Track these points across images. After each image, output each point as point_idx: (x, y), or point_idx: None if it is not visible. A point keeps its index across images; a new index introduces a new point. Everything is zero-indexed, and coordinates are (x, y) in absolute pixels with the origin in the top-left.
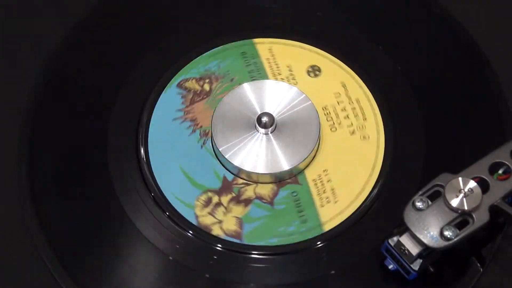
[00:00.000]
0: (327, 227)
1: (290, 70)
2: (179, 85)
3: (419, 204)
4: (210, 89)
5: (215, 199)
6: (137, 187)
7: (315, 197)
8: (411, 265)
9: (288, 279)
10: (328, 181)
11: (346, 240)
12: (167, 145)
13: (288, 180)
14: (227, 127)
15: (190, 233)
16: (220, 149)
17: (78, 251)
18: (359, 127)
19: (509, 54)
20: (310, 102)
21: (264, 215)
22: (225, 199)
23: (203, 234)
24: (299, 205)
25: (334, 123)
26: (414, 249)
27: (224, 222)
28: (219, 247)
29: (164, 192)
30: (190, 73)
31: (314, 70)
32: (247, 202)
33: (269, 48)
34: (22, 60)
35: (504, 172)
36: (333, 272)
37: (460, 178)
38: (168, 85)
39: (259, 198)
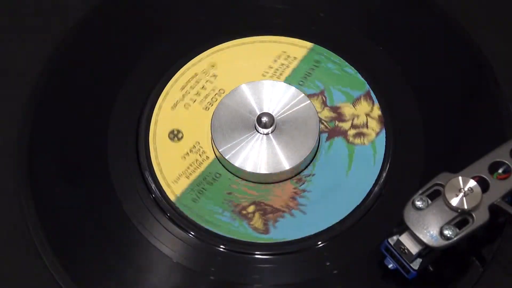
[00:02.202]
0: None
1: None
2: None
3: (419, 203)
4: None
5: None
6: (138, 187)
7: None
8: (411, 265)
9: (288, 279)
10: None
11: (346, 240)
12: None
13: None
14: (226, 128)
15: (191, 234)
16: (220, 150)
17: (78, 251)
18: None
19: (509, 54)
20: (309, 101)
21: None
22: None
23: (203, 234)
24: None
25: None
26: (413, 249)
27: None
28: (220, 247)
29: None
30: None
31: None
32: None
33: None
34: (22, 60)
35: (504, 172)
36: (333, 272)
37: (460, 177)
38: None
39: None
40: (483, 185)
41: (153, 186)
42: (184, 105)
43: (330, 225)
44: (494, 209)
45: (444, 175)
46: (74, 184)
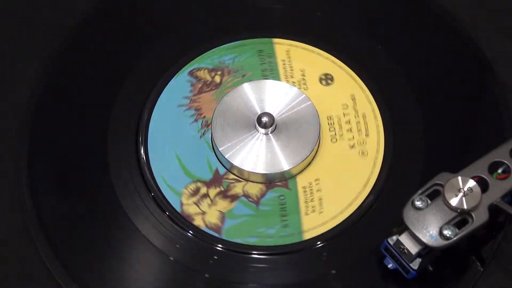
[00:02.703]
0: (307, 236)
1: (303, 75)
2: (191, 73)
3: (418, 203)
4: (221, 81)
5: (203, 190)
6: (138, 188)
7: (302, 204)
8: (411, 264)
9: (288, 279)
10: (317, 190)
11: (346, 240)
12: (167, 130)
13: (278, 183)
14: (227, 126)
15: (190, 233)
16: (220, 149)
17: (78, 251)
18: (360, 142)
19: (509, 54)
20: (310, 102)
21: (247, 214)
22: (212, 191)
23: (203, 233)
24: (284, 209)
25: (336, 134)
26: (413, 248)
27: (207, 214)
28: (219, 246)
29: (155, 175)
30: (204, 62)
31: (327, 79)
32: (234, 198)
33: (286, 50)
34: (22, 60)
35: (503, 171)
36: (333, 272)
37: (459, 177)
38: (181, 71)
39: (246, 196)
40: (483, 185)
41: (152, 184)
42: None
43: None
44: (493, 209)
45: (444, 175)
46: (74, 184)
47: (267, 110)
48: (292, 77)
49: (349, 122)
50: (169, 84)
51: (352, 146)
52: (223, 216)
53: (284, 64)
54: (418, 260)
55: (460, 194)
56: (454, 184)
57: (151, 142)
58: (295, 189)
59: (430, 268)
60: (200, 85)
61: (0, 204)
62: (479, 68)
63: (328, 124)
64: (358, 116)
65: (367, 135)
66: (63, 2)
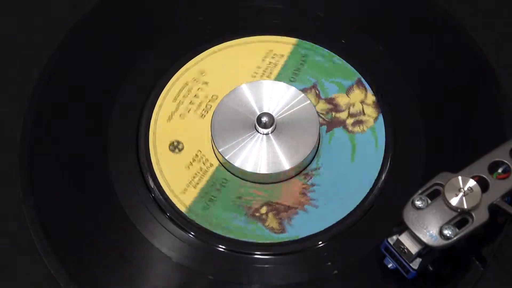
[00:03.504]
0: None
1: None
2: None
3: (418, 203)
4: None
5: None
6: (137, 185)
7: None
8: (411, 264)
9: (288, 279)
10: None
11: (346, 239)
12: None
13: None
14: (226, 128)
15: (191, 234)
16: (220, 150)
17: (78, 251)
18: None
19: (509, 54)
20: (309, 101)
21: None
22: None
23: (203, 234)
24: None
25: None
26: (413, 248)
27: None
28: (220, 247)
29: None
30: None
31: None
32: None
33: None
34: (22, 60)
35: (503, 171)
36: (333, 272)
37: (459, 177)
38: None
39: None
40: (483, 184)
41: (162, 199)
42: (180, 116)
43: (345, 215)
44: (493, 209)
45: (444, 175)
46: (74, 184)
47: (266, 110)
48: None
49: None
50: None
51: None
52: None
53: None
54: (418, 260)
55: (460, 194)
56: (454, 184)
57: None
58: None
59: (430, 268)
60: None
61: (0, 204)
62: (479, 68)
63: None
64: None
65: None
66: (62, 3)
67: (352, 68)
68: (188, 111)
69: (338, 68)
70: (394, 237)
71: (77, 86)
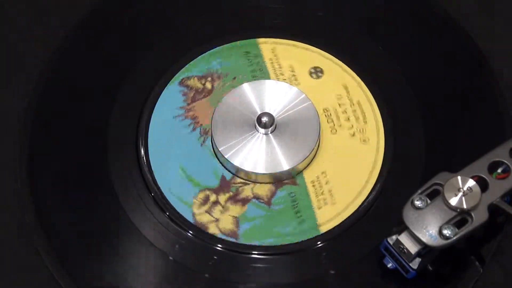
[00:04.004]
0: (324, 229)
1: (292, 71)
2: (181, 83)
3: (418, 203)
4: (212, 87)
5: (213, 197)
6: (137, 186)
7: (313, 199)
8: (410, 264)
9: (288, 279)
10: (326, 183)
11: (345, 240)
12: (167, 143)
13: (286, 181)
14: (227, 127)
15: (190, 233)
16: (220, 149)
17: (78, 251)
18: (360, 130)
19: (509, 54)
20: (310, 102)
21: (261, 215)
22: (222, 198)
23: (202, 234)
24: (296, 206)
25: (334, 125)
26: (413, 248)
27: (220, 221)
28: (218, 246)
29: (162, 190)
30: (193, 71)
31: (317, 72)
32: (245, 201)
33: (272, 48)
34: (23, 60)
35: (503, 171)
36: (332, 272)
37: (459, 177)
38: (170, 82)
39: (256, 198)
40: (482, 184)
41: (153, 185)
42: None
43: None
44: (493, 209)
45: (443, 175)
46: (74, 184)
47: (266, 110)
48: (282, 74)
49: (346, 111)
50: (161, 96)
51: (353, 135)
52: (237, 221)
53: (272, 62)
54: (418, 259)
55: (460, 194)
56: (453, 184)
57: (153, 158)
58: (303, 184)
59: (430, 268)
60: (192, 94)
61: (0, 204)
62: (479, 67)
63: (326, 116)
64: (353, 104)
65: (365, 122)
66: (62, 3)
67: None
68: None
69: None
70: (394, 237)
71: (77, 86)
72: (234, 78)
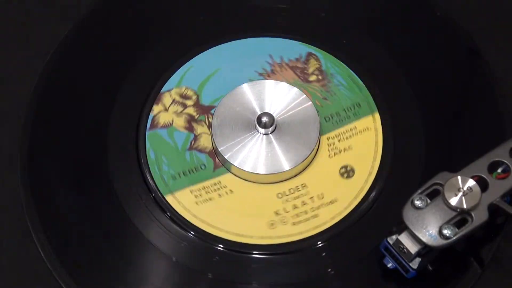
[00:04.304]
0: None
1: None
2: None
3: (418, 203)
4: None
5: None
6: (137, 186)
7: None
8: (410, 264)
9: (287, 279)
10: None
11: (345, 240)
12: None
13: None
14: (227, 127)
15: (191, 233)
16: (220, 149)
17: (78, 251)
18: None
19: (509, 54)
20: (310, 102)
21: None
22: None
23: (203, 234)
24: None
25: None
26: (413, 248)
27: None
28: (219, 247)
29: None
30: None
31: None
32: None
33: None
34: (23, 60)
35: (503, 171)
36: (332, 272)
37: (459, 177)
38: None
39: None
40: (482, 184)
41: (147, 173)
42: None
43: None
44: (493, 209)
45: (443, 175)
46: (74, 184)
47: (266, 110)
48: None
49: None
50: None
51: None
52: None
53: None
54: (418, 259)
55: (460, 194)
56: (453, 184)
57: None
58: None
59: (430, 268)
60: None
61: (0, 204)
62: (479, 68)
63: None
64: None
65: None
66: (63, 3)
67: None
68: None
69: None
70: (394, 237)
71: (77, 86)
72: None
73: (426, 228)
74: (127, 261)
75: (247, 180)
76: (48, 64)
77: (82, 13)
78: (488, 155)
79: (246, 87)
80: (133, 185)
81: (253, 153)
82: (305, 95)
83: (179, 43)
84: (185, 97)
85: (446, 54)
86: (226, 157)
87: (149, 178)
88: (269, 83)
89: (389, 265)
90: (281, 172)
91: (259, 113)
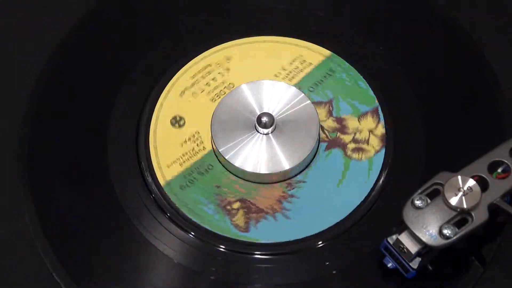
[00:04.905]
0: None
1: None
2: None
3: (418, 203)
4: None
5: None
6: (137, 186)
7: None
8: (410, 264)
9: (287, 279)
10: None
11: (345, 240)
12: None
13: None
14: (226, 128)
15: (192, 234)
16: (220, 150)
17: (78, 251)
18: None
19: (509, 54)
20: (309, 101)
21: None
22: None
23: (205, 235)
24: None
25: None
26: (413, 248)
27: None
28: (221, 247)
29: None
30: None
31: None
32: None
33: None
34: (23, 60)
35: (503, 171)
36: (333, 272)
37: (459, 177)
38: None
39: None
40: (483, 184)
41: (144, 165)
42: (192, 94)
43: (310, 234)
44: (493, 209)
45: (444, 174)
46: (74, 184)
47: (266, 110)
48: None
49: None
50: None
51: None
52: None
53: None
54: (418, 259)
55: (460, 194)
56: (454, 184)
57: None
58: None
59: (430, 268)
60: None
61: (0, 204)
62: (479, 68)
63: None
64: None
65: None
66: (63, 3)
67: (373, 95)
68: (201, 92)
69: (360, 91)
70: (394, 237)
71: (77, 86)
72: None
73: (426, 228)
74: (127, 261)
75: (248, 180)
76: (48, 64)
77: (82, 13)
78: (488, 155)
79: (245, 87)
80: (133, 185)
81: (254, 153)
82: (303, 94)
83: (179, 43)
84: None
85: (446, 54)
86: (227, 157)
87: (149, 177)
88: (267, 83)
89: (389, 265)
90: (282, 171)
91: (258, 113)
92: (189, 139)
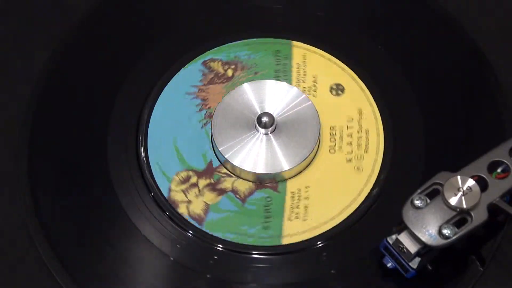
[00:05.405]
0: (285, 241)
1: (314, 82)
2: (205, 63)
3: (417, 202)
4: (233, 75)
5: (193, 179)
6: (137, 187)
7: (287, 209)
8: (410, 264)
9: (287, 279)
10: (305, 198)
11: (345, 240)
12: (170, 116)
13: (268, 185)
14: (227, 126)
15: (190, 233)
16: (220, 149)
17: (78, 251)
18: (357, 157)
19: (509, 54)
20: (310, 102)
21: (231, 210)
22: (202, 182)
23: (203, 234)
24: (268, 211)
25: (335, 145)
26: (412, 247)
27: (192, 204)
28: (219, 247)
29: (149, 160)
30: (220, 55)
31: (338, 89)
32: (221, 192)
33: (303, 54)
34: (23, 60)
35: (502, 171)
36: (332, 271)
37: (458, 177)
38: (194, 60)
39: (234, 192)
40: (482, 184)
41: (144, 165)
42: None
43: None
44: (493, 209)
45: (443, 174)
46: (74, 184)
47: (267, 110)
48: (303, 82)
49: (351, 135)
50: (181, 71)
51: (349, 160)
52: (207, 208)
53: (298, 68)
54: (417, 259)
55: (460, 193)
56: (453, 183)
57: (152, 127)
58: (283, 192)
59: (429, 268)
60: (211, 76)
61: (0, 204)
62: (479, 68)
63: (330, 134)
64: (361, 131)
65: (366, 151)
66: (63, 2)
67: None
68: None
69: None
70: (393, 237)
71: (77, 86)
72: (256, 73)
73: (426, 227)
74: (126, 261)
75: (238, 176)
76: (48, 64)
77: (82, 13)
78: (488, 155)
79: (246, 87)
80: (133, 185)
81: (253, 153)
82: (304, 95)
83: (180, 43)
84: None
85: (446, 54)
86: (226, 156)
87: (149, 178)
88: (269, 83)
89: (389, 264)
90: (281, 171)
91: (259, 113)
92: None
